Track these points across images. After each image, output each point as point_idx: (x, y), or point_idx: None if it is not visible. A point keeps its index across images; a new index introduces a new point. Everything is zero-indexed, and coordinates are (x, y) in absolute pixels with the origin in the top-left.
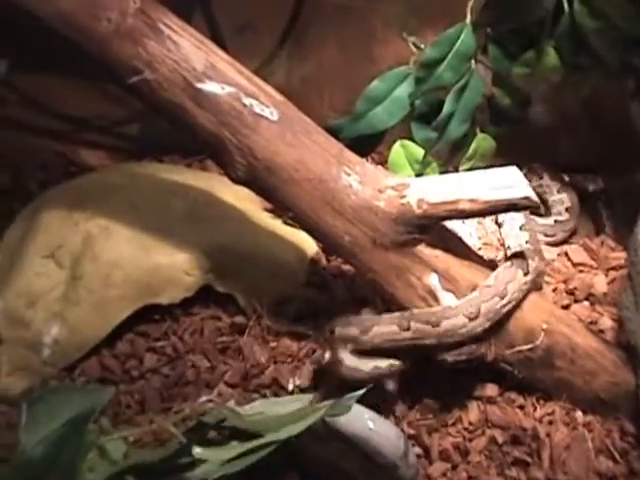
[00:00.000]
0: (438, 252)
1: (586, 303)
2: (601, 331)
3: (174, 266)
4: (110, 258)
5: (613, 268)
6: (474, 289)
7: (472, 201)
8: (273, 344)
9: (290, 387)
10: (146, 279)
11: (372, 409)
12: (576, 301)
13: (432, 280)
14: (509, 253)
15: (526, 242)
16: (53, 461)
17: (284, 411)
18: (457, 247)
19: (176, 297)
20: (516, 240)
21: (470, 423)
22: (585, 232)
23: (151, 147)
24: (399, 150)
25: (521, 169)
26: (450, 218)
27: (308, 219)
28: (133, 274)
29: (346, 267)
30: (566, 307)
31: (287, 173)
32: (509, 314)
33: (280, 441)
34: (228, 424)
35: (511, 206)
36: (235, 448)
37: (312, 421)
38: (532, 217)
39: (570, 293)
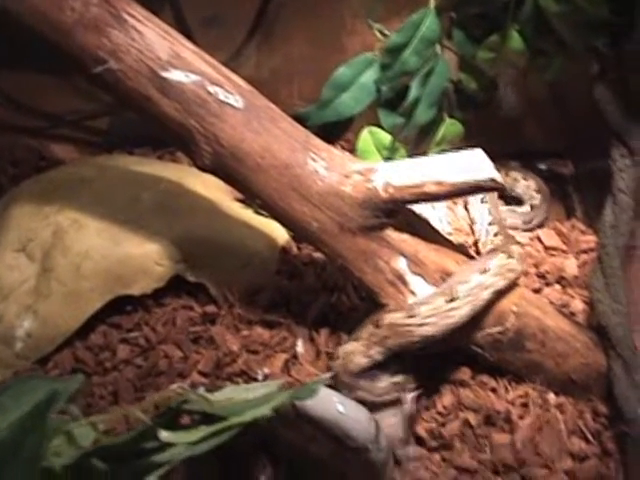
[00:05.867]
0: (406, 236)
1: (557, 286)
2: (573, 314)
3: (145, 256)
4: (80, 250)
5: (584, 251)
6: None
7: (438, 184)
8: (245, 333)
9: (260, 376)
10: (117, 270)
11: None
12: (547, 284)
13: (400, 264)
14: (476, 236)
15: (489, 219)
16: (18, 445)
17: (252, 396)
18: (426, 231)
19: (147, 287)
20: (481, 221)
21: (444, 407)
22: (556, 216)
23: (122, 140)
24: (367, 137)
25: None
26: (417, 201)
27: (275, 206)
28: (103, 265)
29: (317, 255)
30: (537, 290)
31: (253, 160)
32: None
33: (244, 423)
34: (197, 409)
35: (477, 188)
36: (201, 431)
37: (277, 403)
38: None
39: (541, 276)
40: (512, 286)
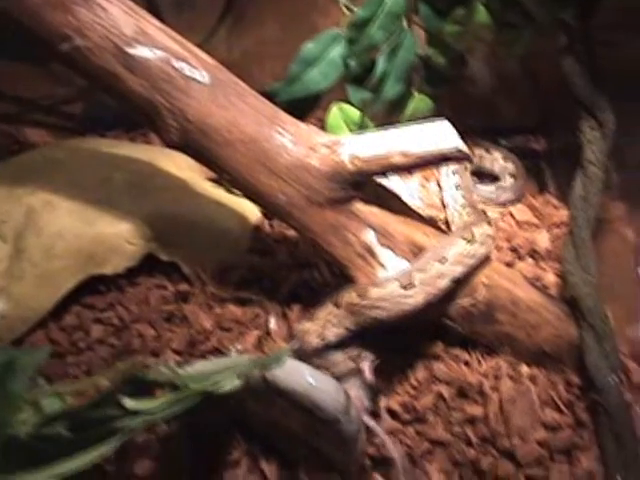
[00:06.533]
0: (374, 209)
1: (530, 260)
2: (545, 286)
3: (117, 236)
4: (53, 231)
5: (556, 225)
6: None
7: (404, 154)
8: (218, 310)
9: (233, 353)
10: (89, 249)
11: None
12: (520, 258)
13: (369, 237)
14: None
15: (462, 202)
16: None
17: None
18: (394, 205)
19: (120, 267)
20: (453, 199)
21: (417, 380)
22: (529, 191)
23: (95, 124)
24: (336, 113)
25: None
26: (384, 173)
27: (243, 180)
28: (76, 244)
29: (289, 233)
30: (510, 264)
31: (220, 135)
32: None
33: (207, 389)
34: (164, 379)
35: (443, 158)
36: (165, 398)
37: (240, 371)
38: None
39: (514, 250)
40: (473, 271)
